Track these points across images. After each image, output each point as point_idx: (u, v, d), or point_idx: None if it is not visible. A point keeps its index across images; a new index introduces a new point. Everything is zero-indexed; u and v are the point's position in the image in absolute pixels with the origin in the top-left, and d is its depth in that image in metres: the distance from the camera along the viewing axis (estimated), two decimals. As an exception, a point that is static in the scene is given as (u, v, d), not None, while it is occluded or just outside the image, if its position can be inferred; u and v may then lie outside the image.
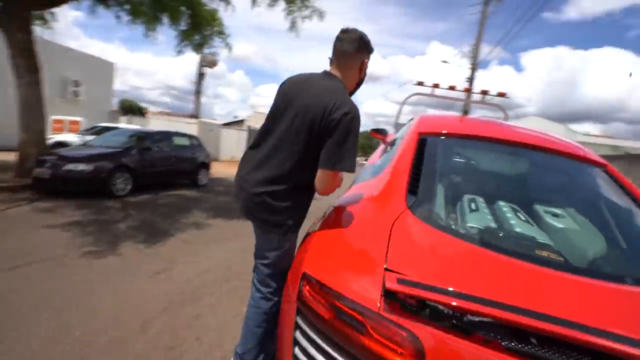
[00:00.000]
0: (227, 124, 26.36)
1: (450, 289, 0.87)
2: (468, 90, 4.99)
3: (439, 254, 1.10)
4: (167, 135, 8.35)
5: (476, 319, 0.82)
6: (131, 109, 22.52)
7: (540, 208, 1.51)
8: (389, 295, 0.90)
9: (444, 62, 15.99)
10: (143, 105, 24.53)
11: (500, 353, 0.78)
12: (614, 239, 1.34)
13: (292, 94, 1.48)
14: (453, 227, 1.24)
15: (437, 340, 0.82)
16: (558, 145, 1.84)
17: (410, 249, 1.11)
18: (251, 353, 1.53)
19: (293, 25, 8.15)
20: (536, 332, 0.78)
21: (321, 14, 8.04)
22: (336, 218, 1.43)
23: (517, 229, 1.24)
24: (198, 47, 8.74)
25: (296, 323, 1.08)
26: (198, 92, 21.31)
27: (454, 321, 0.83)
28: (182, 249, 4.03)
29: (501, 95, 4.86)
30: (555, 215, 1.46)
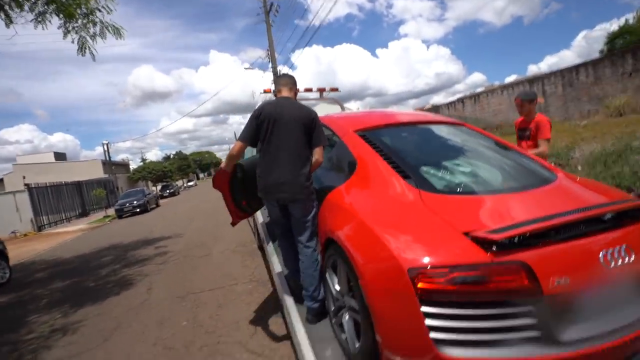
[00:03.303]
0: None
1: (520, 222, 1.25)
2: (309, 90, 5.66)
3: (475, 208, 1.47)
4: None
5: (543, 232, 1.23)
6: None
7: (459, 159, 2.14)
8: (487, 245, 1.20)
9: (247, 68, 16.94)
10: None
11: (565, 242, 1.23)
12: (506, 165, 2.10)
13: (275, 114, 2.13)
14: (457, 189, 1.65)
15: (534, 257, 1.19)
16: (438, 118, 2.60)
17: (455, 213, 1.43)
18: (317, 290, 2.10)
19: (82, 47, 6.62)
20: (568, 222, 1.26)
21: (118, 31, 6.84)
22: (362, 211, 1.65)
23: (484, 176, 1.78)
24: None
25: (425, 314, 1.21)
26: None
27: (539, 238, 1.22)
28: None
29: (334, 90, 5.85)
30: (468, 162, 2.11)
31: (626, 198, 1.60)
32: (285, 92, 2.29)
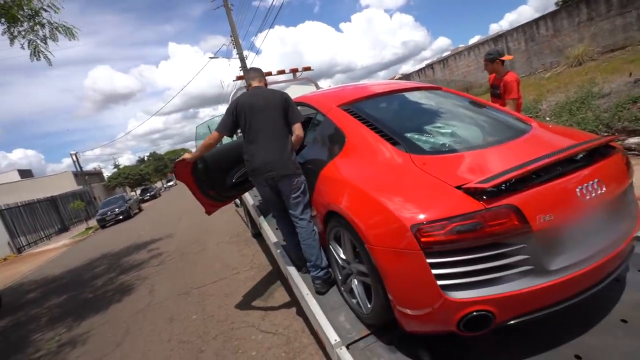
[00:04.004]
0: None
1: (505, 170, 1.36)
2: (282, 72, 5.59)
3: (462, 164, 1.58)
4: None
5: (526, 175, 1.36)
6: None
7: (441, 121, 2.24)
8: (479, 194, 1.31)
9: (212, 57, 16.33)
10: None
11: (546, 183, 1.37)
12: (484, 121, 2.22)
13: (251, 103, 2.33)
14: (443, 149, 1.75)
15: (521, 200, 1.31)
16: (415, 85, 2.68)
17: (445, 170, 1.53)
18: (319, 258, 2.24)
19: (35, 50, 6.18)
20: (546, 165, 1.39)
21: (70, 31, 6.40)
22: (359, 180, 1.76)
23: (466, 134, 1.89)
24: None
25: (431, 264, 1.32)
26: None
27: (523, 183, 1.35)
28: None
29: (307, 69, 5.80)
30: (450, 123, 2.22)
31: (594, 138, 1.75)
32: (256, 83, 2.52)
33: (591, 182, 1.43)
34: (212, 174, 2.85)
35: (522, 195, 1.34)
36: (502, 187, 1.35)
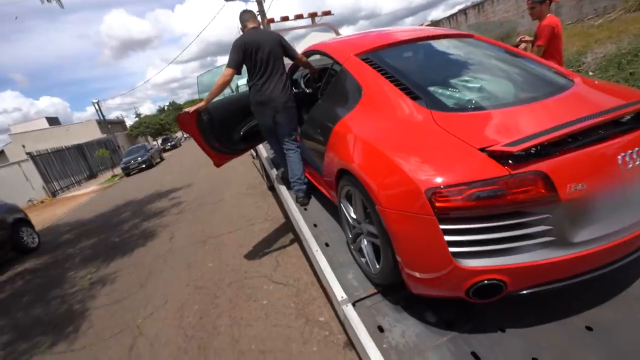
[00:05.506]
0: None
1: (536, 132, 1.21)
2: (300, 16, 5.18)
3: (489, 123, 1.43)
4: None
5: (560, 140, 1.21)
6: None
7: (469, 74, 2.02)
8: (505, 158, 1.19)
9: (228, 0, 15.38)
10: None
11: (582, 148, 1.22)
12: (518, 75, 1.98)
13: (257, 42, 2.54)
14: (469, 105, 1.58)
15: (552, 166, 1.18)
16: (444, 32, 2.39)
17: (469, 130, 1.39)
18: (302, 175, 2.74)
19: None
20: (586, 128, 1.22)
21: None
22: (374, 138, 1.64)
23: (496, 89, 1.70)
24: None
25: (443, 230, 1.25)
26: None
27: (556, 147, 1.20)
28: None
29: (327, 13, 5.34)
30: (479, 77, 1.99)
31: (646, 97, 1.52)
32: (251, 24, 2.68)
33: (637, 149, 1.26)
34: (217, 126, 2.87)
35: (553, 160, 1.20)
36: (532, 151, 1.21)
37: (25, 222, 6.92)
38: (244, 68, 2.63)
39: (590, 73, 5.85)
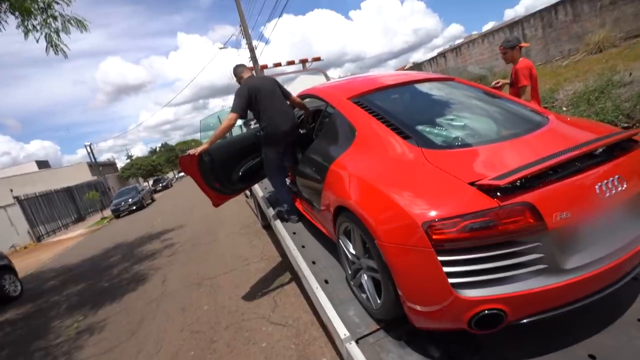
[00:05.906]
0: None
1: (520, 166, 1.32)
2: (292, 62, 5.53)
3: (476, 159, 1.54)
4: None
5: (542, 172, 1.31)
6: None
7: (454, 114, 2.19)
8: (493, 191, 1.28)
9: (222, 48, 16.28)
10: None
11: (563, 180, 1.33)
12: (498, 114, 2.15)
13: (258, 86, 2.83)
14: (456, 143, 1.71)
15: (537, 197, 1.28)
16: (427, 76, 2.61)
17: (458, 166, 1.50)
18: (288, 201, 3.15)
19: (51, 43, 6.23)
20: (564, 161, 1.34)
21: (82, 24, 6.43)
22: (369, 175, 1.73)
23: (480, 127, 1.84)
24: None
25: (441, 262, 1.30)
26: None
27: (539, 179, 1.30)
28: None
29: (317, 59, 5.72)
30: (463, 116, 2.16)
31: (615, 131, 1.68)
32: (247, 74, 3.03)
33: (611, 179, 1.38)
34: (218, 167, 2.96)
35: (538, 192, 1.30)
36: (518, 184, 1.31)
37: (8, 268, 6.63)
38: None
39: (564, 109, 6.26)
